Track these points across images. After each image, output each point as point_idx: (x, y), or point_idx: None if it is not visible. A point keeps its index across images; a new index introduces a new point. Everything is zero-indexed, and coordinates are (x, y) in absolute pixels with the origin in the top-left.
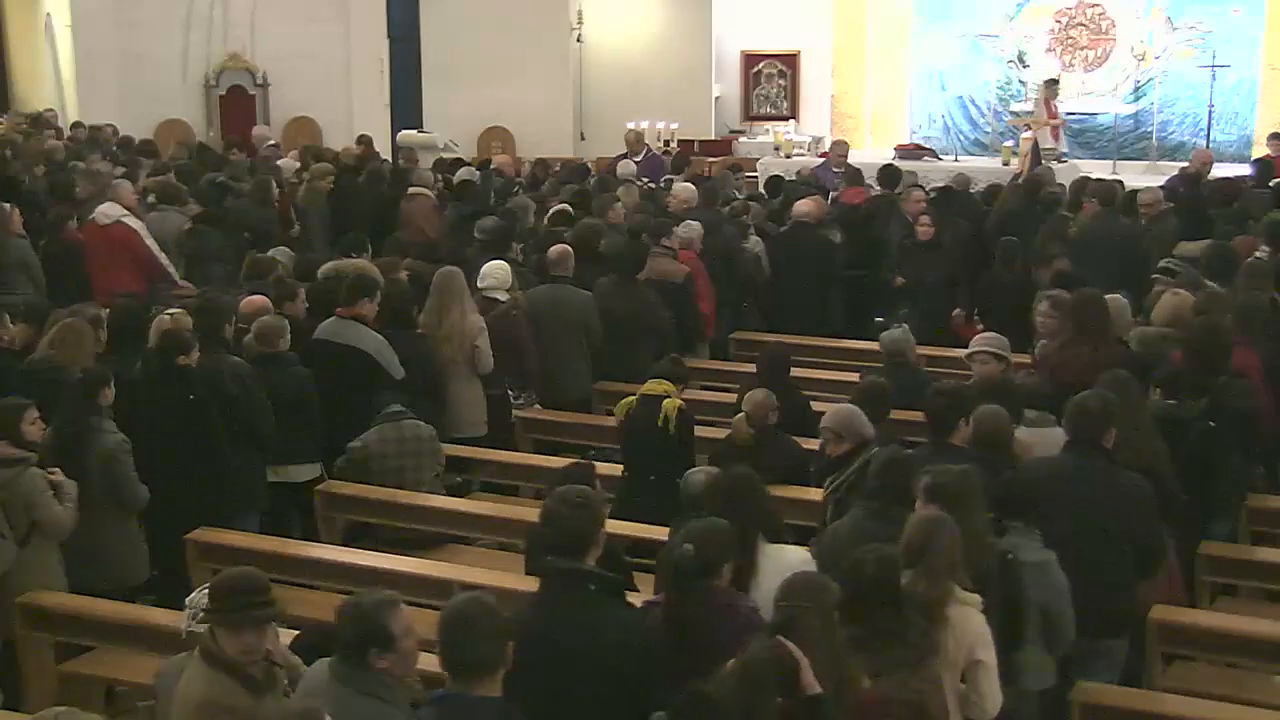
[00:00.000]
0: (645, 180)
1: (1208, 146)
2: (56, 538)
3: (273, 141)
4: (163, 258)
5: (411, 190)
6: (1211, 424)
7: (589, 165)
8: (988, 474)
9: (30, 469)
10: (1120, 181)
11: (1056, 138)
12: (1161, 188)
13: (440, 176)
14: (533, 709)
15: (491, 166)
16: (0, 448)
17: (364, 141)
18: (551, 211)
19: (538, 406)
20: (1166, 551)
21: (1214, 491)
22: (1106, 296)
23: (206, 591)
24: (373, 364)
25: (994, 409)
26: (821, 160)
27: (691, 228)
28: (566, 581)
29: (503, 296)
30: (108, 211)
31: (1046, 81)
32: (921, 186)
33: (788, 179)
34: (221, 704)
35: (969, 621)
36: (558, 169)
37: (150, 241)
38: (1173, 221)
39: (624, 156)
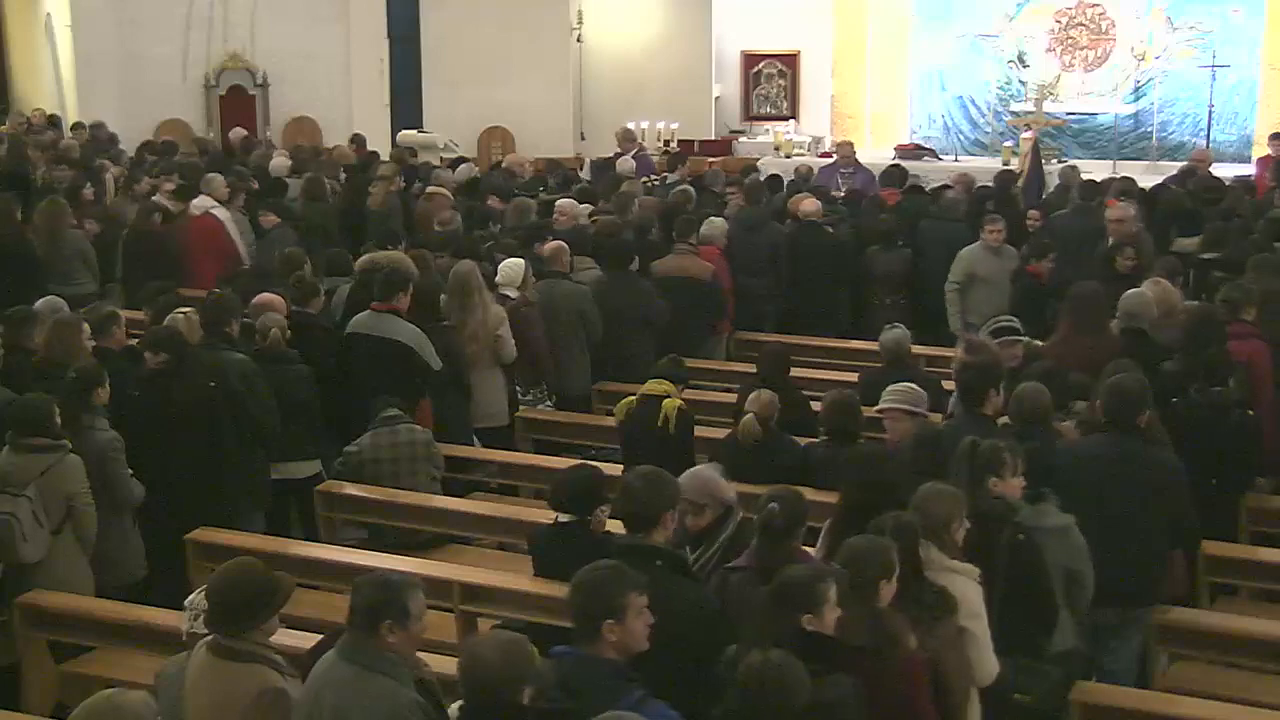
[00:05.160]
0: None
1: (1208, 147)
2: (88, 529)
3: (254, 139)
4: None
5: (429, 190)
6: (1250, 412)
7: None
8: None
9: (70, 455)
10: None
11: None
12: (1161, 185)
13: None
14: None
15: (502, 165)
16: (33, 440)
17: (358, 141)
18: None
19: (549, 405)
20: (1197, 522)
21: (1249, 475)
22: (1131, 291)
23: (205, 595)
24: (413, 356)
25: (1036, 386)
26: (829, 161)
27: (714, 225)
28: (634, 557)
29: (513, 294)
30: (200, 203)
31: None
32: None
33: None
34: (277, 687)
35: (955, 590)
36: (574, 170)
37: (235, 234)
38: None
39: (617, 155)
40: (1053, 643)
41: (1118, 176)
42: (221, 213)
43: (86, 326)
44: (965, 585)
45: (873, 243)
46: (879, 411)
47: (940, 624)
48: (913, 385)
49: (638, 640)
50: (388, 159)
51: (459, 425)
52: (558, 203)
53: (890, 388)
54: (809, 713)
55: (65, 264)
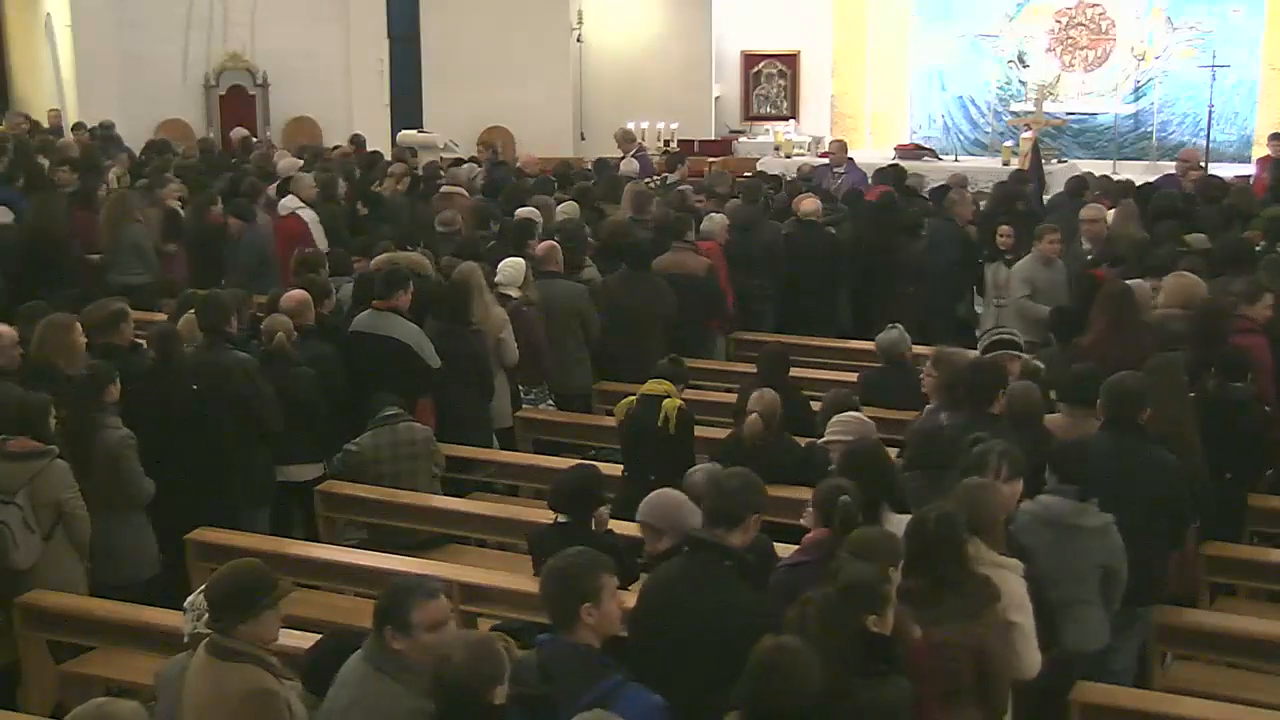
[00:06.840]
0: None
1: (1208, 147)
2: (81, 532)
3: (253, 139)
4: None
5: (446, 189)
6: (1268, 408)
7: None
8: (1021, 444)
9: (56, 460)
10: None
11: None
12: (1151, 185)
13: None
14: (648, 670)
15: (517, 164)
16: (21, 442)
17: (357, 141)
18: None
19: (551, 404)
20: (1193, 520)
21: (1261, 469)
22: (1130, 282)
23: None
24: (412, 354)
25: (1026, 385)
26: (823, 161)
27: (714, 220)
28: (704, 553)
29: (514, 294)
30: (286, 204)
31: None
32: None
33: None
34: (267, 688)
35: (1003, 584)
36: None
37: (318, 234)
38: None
39: (620, 160)
40: (1090, 640)
41: (1112, 177)
42: (307, 214)
43: (79, 325)
44: (1011, 579)
45: (891, 235)
46: (825, 443)
47: (985, 612)
48: (858, 414)
49: (613, 622)
50: (389, 159)
51: (478, 426)
52: (518, 210)
53: (835, 418)
54: (870, 712)
55: (122, 256)
